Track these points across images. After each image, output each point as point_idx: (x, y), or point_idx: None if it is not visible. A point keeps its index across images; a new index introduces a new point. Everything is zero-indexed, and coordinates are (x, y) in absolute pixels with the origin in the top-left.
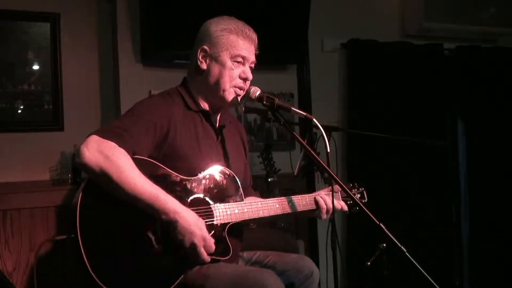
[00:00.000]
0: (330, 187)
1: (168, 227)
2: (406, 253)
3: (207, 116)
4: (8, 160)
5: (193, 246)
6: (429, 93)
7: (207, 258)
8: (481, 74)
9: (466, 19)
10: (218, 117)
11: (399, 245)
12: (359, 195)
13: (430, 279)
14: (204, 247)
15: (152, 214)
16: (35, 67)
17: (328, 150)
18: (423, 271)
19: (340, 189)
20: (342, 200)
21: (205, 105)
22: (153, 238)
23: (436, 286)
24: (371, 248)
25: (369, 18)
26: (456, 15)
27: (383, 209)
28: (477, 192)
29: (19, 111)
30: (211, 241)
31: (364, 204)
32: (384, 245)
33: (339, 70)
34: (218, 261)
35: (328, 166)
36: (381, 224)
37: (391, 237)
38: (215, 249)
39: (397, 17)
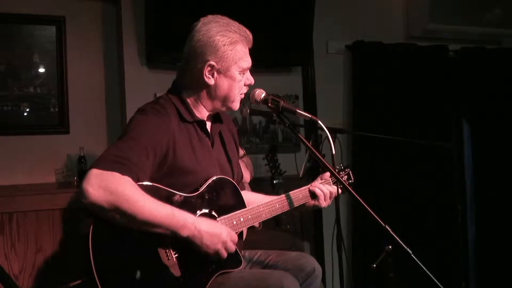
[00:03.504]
0: (323, 176)
1: (189, 241)
2: (412, 255)
3: (202, 126)
4: (14, 163)
5: (219, 251)
6: (434, 94)
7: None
8: (486, 75)
9: (471, 21)
10: (211, 122)
11: (405, 247)
12: (346, 177)
13: (436, 281)
14: (226, 249)
15: (171, 234)
16: (41, 70)
17: (333, 152)
18: (429, 273)
19: (329, 176)
20: (334, 184)
21: (202, 114)
22: (169, 264)
23: None
24: (377, 250)
25: (374, 19)
26: (461, 16)
27: (389, 211)
28: (483, 194)
29: (25, 114)
30: (232, 244)
31: (350, 183)
32: (390, 247)
33: (344, 72)
34: (231, 272)
35: (333, 168)
36: (386, 226)
37: (397, 239)
38: (228, 262)
39: (402, 18)
